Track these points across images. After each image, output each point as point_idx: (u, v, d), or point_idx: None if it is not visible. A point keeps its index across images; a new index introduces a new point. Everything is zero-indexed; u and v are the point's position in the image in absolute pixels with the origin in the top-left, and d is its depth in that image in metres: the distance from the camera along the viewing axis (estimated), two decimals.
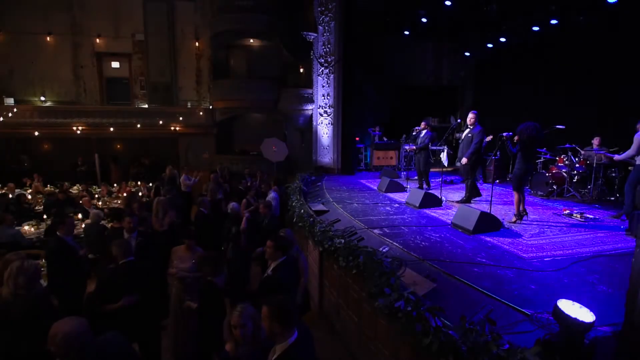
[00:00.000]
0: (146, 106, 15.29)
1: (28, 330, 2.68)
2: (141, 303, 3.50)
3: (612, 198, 7.21)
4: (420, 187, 8.31)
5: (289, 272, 3.65)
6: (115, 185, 11.34)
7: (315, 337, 2.65)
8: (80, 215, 7.03)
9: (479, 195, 7.36)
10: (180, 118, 15.01)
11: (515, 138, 5.53)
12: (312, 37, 11.45)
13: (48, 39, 14.64)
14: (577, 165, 7.59)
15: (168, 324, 4.42)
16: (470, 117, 7.02)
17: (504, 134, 5.70)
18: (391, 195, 7.87)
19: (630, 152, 5.65)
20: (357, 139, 12.24)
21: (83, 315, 3.74)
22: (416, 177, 9.96)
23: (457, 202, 7.10)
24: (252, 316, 2.51)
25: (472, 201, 7.15)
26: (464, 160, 6.88)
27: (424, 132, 8.40)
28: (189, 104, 15.40)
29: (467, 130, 7.06)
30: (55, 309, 3.04)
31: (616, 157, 5.85)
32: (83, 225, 6.65)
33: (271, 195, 7.38)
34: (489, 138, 7.42)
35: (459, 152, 7.24)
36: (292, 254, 3.98)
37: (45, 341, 2.11)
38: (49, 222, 6.75)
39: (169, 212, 5.70)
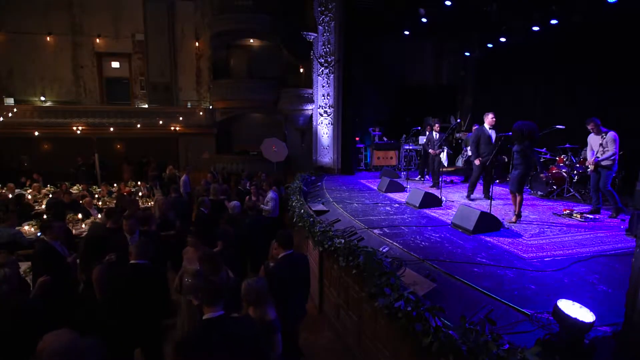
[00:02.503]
0: (146, 106, 15.31)
1: (13, 336, 2.63)
2: (145, 307, 3.46)
3: None
4: (436, 185, 8.45)
5: (292, 265, 3.70)
6: (114, 185, 11.32)
7: (315, 337, 2.68)
8: (80, 216, 7.03)
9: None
10: (180, 118, 15.02)
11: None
12: (312, 37, 11.46)
13: (48, 39, 14.66)
14: (577, 165, 7.59)
15: (177, 324, 4.39)
16: (493, 117, 7.15)
17: (503, 134, 5.71)
18: (391, 195, 7.86)
19: (610, 152, 5.74)
20: (357, 139, 12.24)
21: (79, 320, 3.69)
22: (417, 178, 10.00)
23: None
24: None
25: (471, 200, 7.18)
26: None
27: (437, 134, 8.68)
28: (189, 104, 15.42)
29: (493, 131, 7.15)
30: (41, 315, 2.95)
31: (601, 159, 5.87)
32: (84, 226, 6.65)
33: (270, 195, 7.39)
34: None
35: (485, 151, 7.14)
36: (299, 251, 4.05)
37: (30, 349, 2.03)
38: None
39: (169, 214, 5.69)
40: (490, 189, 6.37)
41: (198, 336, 2.41)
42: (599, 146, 5.89)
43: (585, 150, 7.74)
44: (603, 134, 5.83)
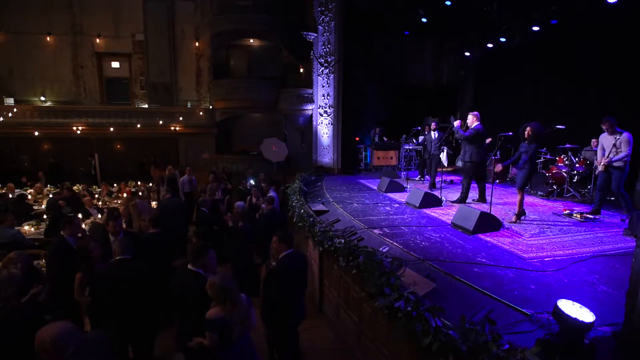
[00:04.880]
0: (146, 106, 15.31)
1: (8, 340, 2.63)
2: (136, 303, 3.44)
3: (612, 198, 7.20)
4: (433, 186, 8.39)
5: (293, 264, 3.68)
6: (114, 185, 11.30)
7: (315, 337, 2.67)
8: (80, 215, 7.02)
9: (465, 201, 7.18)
10: (180, 118, 15.02)
11: (527, 132, 5.52)
12: (312, 37, 11.45)
13: (48, 39, 14.65)
14: (577, 165, 7.59)
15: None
16: (471, 118, 6.97)
17: (504, 134, 5.72)
18: (391, 195, 7.86)
19: (623, 153, 5.65)
20: (357, 139, 12.24)
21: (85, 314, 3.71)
22: (417, 178, 10.00)
23: (453, 202, 7.07)
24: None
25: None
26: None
27: (435, 133, 8.53)
28: (189, 104, 15.42)
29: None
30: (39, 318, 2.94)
31: (614, 160, 5.81)
32: (84, 226, 6.64)
33: (270, 194, 7.41)
34: (488, 140, 7.39)
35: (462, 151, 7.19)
36: (299, 250, 4.02)
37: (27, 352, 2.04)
38: (48, 222, 6.74)
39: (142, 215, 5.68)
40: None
41: (178, 280, 3.22)
42: (612, 146, 5.75)
43: (586, 150, 7.76)
44: (617, 135, 5.71)
